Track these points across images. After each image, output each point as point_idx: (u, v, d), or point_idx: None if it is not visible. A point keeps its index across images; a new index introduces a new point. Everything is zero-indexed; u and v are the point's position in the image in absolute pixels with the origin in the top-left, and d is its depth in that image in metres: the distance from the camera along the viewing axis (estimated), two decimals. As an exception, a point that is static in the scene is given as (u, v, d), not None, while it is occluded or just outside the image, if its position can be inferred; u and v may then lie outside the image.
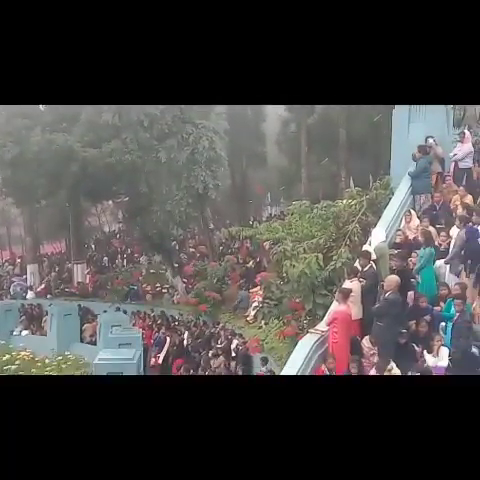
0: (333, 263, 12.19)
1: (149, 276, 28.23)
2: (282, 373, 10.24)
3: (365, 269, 10.94)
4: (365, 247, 11.78)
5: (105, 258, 33.05)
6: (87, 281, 29.72)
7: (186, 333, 20.83)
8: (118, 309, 24.70)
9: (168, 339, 21.05)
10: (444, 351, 9.69)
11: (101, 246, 36.60)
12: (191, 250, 30.21)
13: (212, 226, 31.96)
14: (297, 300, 12.71)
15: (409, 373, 9.45)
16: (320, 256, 12.33)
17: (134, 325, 21.87)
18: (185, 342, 20.31)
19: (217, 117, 24.68)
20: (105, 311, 23.70)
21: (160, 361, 20.50)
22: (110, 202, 32.68)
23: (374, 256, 11.18)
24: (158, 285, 26.94)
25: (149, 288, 27.11)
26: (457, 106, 15.09)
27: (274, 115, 31.59)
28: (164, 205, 23.47)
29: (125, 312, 23.74)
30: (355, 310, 10.58)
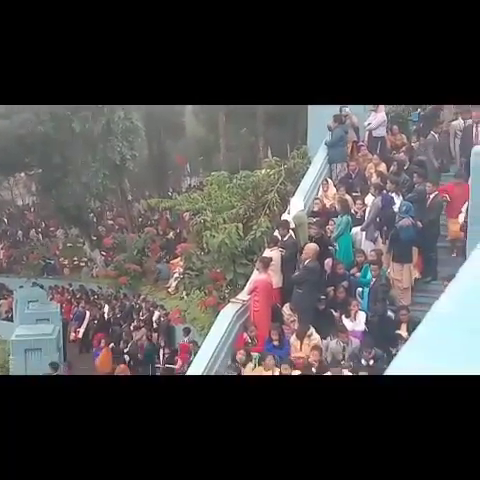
0: (253, 233, 12.27)
1: (66, 250, 27.60)
2: (204, 343, 10.29)
3: (285, 238, 11.06)
4: (284, 216, 11.91)
5: (19, 232, 32.02)
6: (1, 256, 28.76)
7: (106, 306, 20.59)
8: (35, 284, 24.07)
9: (88, 313, 20.74)
10: (361, 315, 10.00)
11: (14, 220, 35.41)
12: (109, 222, 29.68)
13: (130, 198, 31.50)
14: (218, 270, 12.75)
15: (328, 338, 9.72)
16: (240, 226, 12.38)
17: (52, 300, 21.37)
18: (106, 316, 20.07)
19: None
20: (21, 286, 23.04)
21: (80, 336, 20.21)
22: (23, 174, 31.52)
23: (293, 225, 11.32)
24: (76, 259, 26.42)
25: (66, 262, 26.55)
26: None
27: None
28: (80, 177, 22.90)
29: (42, 287, 23.16)
30: (275, 278, 10.71)
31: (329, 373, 8.96)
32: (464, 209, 10.63)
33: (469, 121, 12.84)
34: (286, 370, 9.13)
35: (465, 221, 10.11)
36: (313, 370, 9.17)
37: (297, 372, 9.04)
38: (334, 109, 14.27)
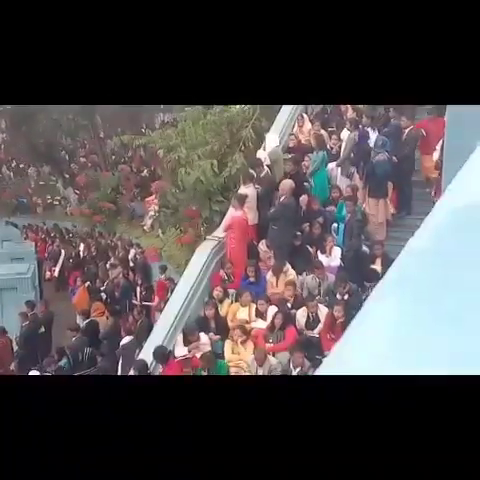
0: (228, 169, 12.17)
1: (39, 188, 27.24)
2: (181, 280, 10.34)
3: (261, 175, 10.99)
4: (259, 152, 11.80)
5: (-10, 170, 31.44)
6: (-29, 195, 28.32)
7: (81, 245, 20.51)
8: (8, 223, 23.82)
9: (63, 252, 20.67)
10: (336, 251, 10.09)
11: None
12: (82, 160, 29.22)
13: (103, 135, 30.92)
14: (193, 208, 12.69)
15: (304, 274, 9.81)
16: (215, 162, 12.26)
17: (26, 239, 21.22)
18: (81, 254, 20.02)
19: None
20: (-6, 226, 22.80)
21: (56, 274, 20.19)
22: (-9, 111, 30.71)
23: (268, 161, 11.24)
24: (49, 197, 26.12)
25: (40, 201, 26.24)
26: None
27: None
28: (50, 113, 22.36)
29: (16, 226, 22.95)
30: (251, 215, 10.70)
31: (304, 308, 9.10)
32: (438, 146, 10.55)
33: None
34: (262, 306, 9.24)
35: (440, 160, 10.06)
36: (288, 305, 9.29)
37: (273, 307, 9.16)
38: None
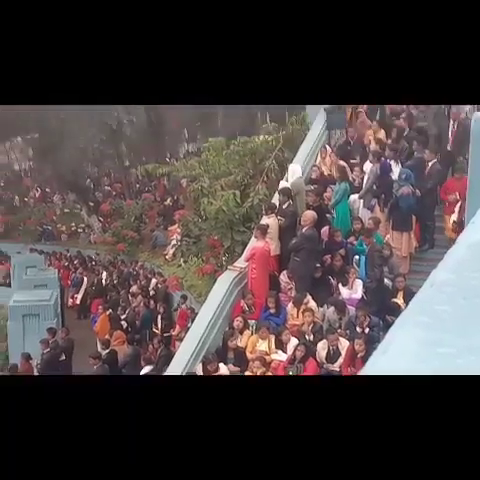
0: (250, 200, 12.23)
1: (63, 216, 27.55)
2: (201, 310, 10.32)
3: (283, 206, 11.01)
4: (282, 183, 11.84)
5: (16, 198, 31.89)
6: (-2, 222, 28.74)
7: (104, 273, 20.61)
8: (32, 250, 24.07)
9: (85, 279, 20.78)
10: (358, 283, 10.01)
11: (11, 185, 35.24)
12: (107, 188, 29.58)
13: (128, 163, 31.31)
14: (215, 237, 12.74)
15: (325, 306, 9.74)
16: (237, 193, 12.32)
17: (49, 266, 21.40)
18: (103, 282, 20.11)
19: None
20: (19, 252, 23.06)
21: (78, 302, 20.28)
22: (19, 139, 31.30)
23: (291, 192, 11.27)
24: (73, 225, 26.38)
25: (64, 228, 26.51)
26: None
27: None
28: (77, 142, 22.72)
29: (41, 253, 23.18)
30: (273, 246, 10.69)
31: (325, 341, 9.01)
32: (457, 208, 10.49)
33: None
34: (283, 337, 9.17)
35: (459, 220, 10.04)
36: (308, 338, 9.21)
37: (294, 340, 9.09)
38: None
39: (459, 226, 9.74)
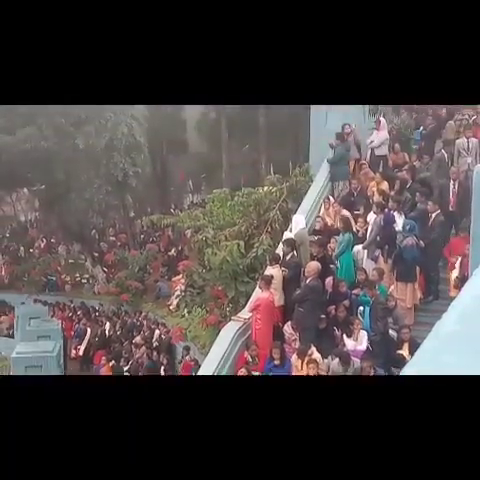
0: (254, 250, 12.26)
1: (68, 266, 27.57)
2: (205, 362, 10.23)
3: (287, 257, 11.03)
4: (286, 234, 11.89)
5: (21, 248, 32.00)
6: (2, 272, 28.74)
7: (107, 324, 20.52)
8: (36, 301, 24.01)
9: (89, 330, 20.68)
10: (363, 335, 9.93)
11: (17, 236, 35.41)
12: (111, 239, 29.68)
13: (133, 214, 31.52)
14: (219, 288, 12.72)
15: (329, 357, 9.65)
16: (241, 243, 12.36)
17: (53, 317, 21.32)
18: (107, 333, 20.00)
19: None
20: (23, 303, 23.01)
21: (81, 353, 20.13)
22: (25, 190, 31.60)
23: (295, 243, 11.30)
24: (77, 275, 26.37)
25: (68, 278, 26.50)
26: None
27: (194, 101, 31.20)
28: (82, 193, 22.96)
29: (45, 304, 23.13)
30: (277, 297, 10.67)
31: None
32: (458, 264, 10.53)
33: (473, 140, 12.82)
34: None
35: (458, 277, 10.06)
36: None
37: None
38: (336, 127, 14.32)
39: (461, 282, 9.72)
